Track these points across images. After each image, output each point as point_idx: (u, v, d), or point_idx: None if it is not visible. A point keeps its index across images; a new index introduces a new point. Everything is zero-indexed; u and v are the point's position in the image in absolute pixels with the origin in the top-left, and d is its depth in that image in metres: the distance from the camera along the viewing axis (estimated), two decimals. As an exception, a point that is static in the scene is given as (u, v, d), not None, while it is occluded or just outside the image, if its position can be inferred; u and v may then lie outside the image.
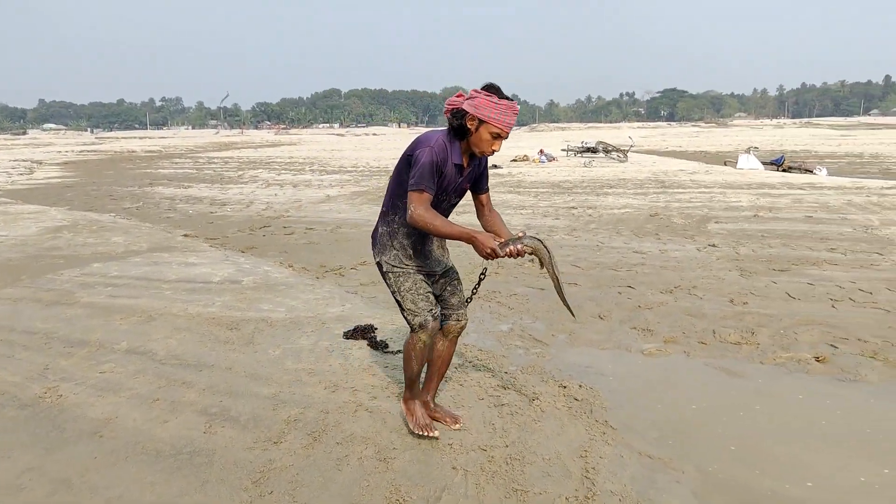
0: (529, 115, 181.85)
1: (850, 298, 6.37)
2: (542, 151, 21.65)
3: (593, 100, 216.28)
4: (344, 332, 5.26)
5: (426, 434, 3.53)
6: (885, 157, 24.66)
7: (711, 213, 11.24)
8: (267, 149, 31.46)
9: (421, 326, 3.40)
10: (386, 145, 32.50)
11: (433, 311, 3.42)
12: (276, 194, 15.01)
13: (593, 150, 22.00)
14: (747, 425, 3.89)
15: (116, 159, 29.02)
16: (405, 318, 3.45)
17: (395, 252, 3.44)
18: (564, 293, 3.47)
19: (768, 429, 3.85)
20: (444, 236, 3.15)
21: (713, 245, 8.80)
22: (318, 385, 4.28)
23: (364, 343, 5.04)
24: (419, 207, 3.13)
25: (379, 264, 3.49)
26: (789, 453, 3.55)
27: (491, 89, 3.17)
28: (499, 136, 3.19)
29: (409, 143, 3.30)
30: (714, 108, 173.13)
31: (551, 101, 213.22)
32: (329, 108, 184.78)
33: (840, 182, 15.34)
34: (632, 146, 22.95)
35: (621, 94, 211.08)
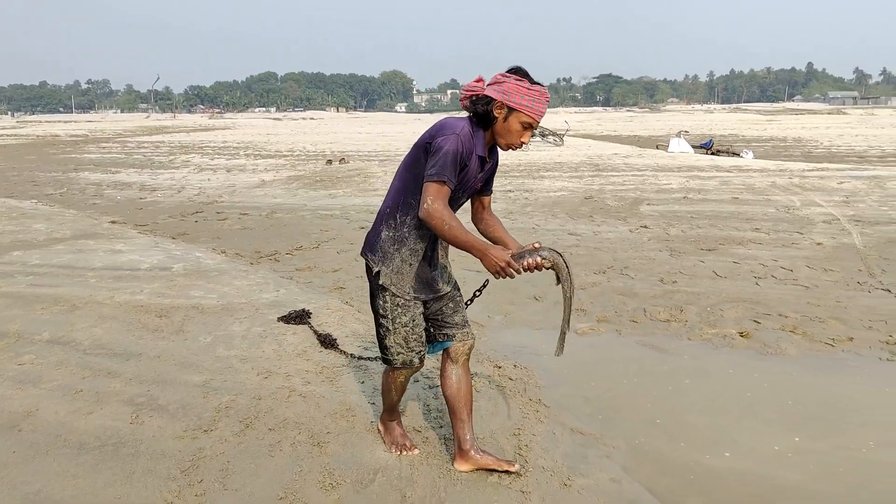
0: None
1: (773, 276, 6.64)
2: (479, 135, 21.71)
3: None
4: (279, 317, 5.18)
5: (404, 453, 3.25)
6: (806, 140, 25.71)
7: (643, 195, 11.51)
8: (200, 133, 30.58)
9: (405, 365, 3.06)
10: (323, 129, 32.02)
11: (422, 353, 3.07)
12: (208, 179, 14.63)
13: (530, 134, 22.21)
14: (674, 399, 4.02)
15: (39, 144, 27.76)
16: (385, 346, 3.04)
17: (399, 265, 2.94)
18: (569, 321, 2.99)
19: (694, 402, 3.98)
20: (454, 242, 2.71)
21: (645, 226, 9.02)
22: (251, 372, 4.21)
23: (298, 328, 4.97)
24: (437, 201, 2.69)
25: (377, 274, 2.95)
26: (712, 425, 3.68)
27: (520, 73, 2.81)
28: (529, 126, 2.82)
29: (427, 130, 2.85)
30: (648, 93, 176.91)
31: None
32: (265, 92, 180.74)
33: (764, 165, 15.92)
34: (567, 130, 23.24)
35: (558, 80, 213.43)
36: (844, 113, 70.95)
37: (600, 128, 34.00)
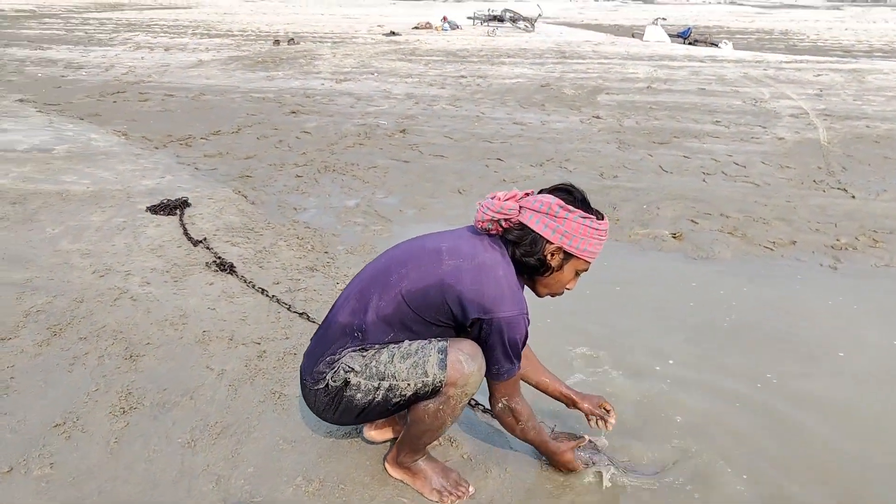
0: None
1: (723, 172, 6.05)
2: (445, 19, 20.35)
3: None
4: (148, 207, 4.53)
5: (463, 496, 2.12)
6: (793, 33, 24.52)
7: (605, 84, 10.69)
8: (157, 11, 28.62)
9: (445, 382, 1.94)
10: (286, 10, 29.88)
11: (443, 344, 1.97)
12: (142, 58, 13.46)
13: (500, 19, 20.87)
14: (573, 304, 3.47)
15: (-21, 19, 25.86)
16: (414, 395, 1.97)
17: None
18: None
19: (585, 309, 3.45)
20: (526, 440, 2.16)
21: (597, 116, 8.30)
22: (87, 269, 3.60)
23: (166, 220, 4.33)
24: (515, 398, 2.05)
25: (346, 382, 1.98)
26: (602, 332, 3.15)
27: (583, 204, 1.99)
28: (581, 272, 2.10)
29: (458, 272, 1.93)
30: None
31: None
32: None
33: (741, 56, 14.99)
34: (540, 15, 21.88)
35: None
36: (840, 10, 68.62)
37: (581, 16, 32.26)
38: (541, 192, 2.03)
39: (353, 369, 1.94)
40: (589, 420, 2.31)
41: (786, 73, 11.96)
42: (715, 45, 17.31)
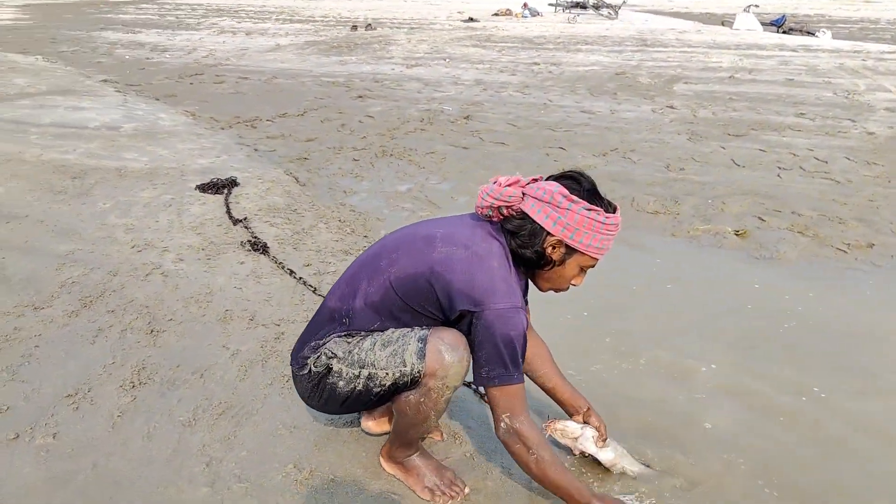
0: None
1: (801, 167, 5.64)
2: (525, 5, 19.98)
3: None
4: (197, 185, 4.58)
5: (456, 496, 1.98)
6: (902, 24, 22.87)
7: (684, 73, 10.21)
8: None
9: (424, 373, 1.79)
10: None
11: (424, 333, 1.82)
12: (224, 42, 13.82)
13: (582, 6, 20.33)
14: (618, 300, 3.27)
15: (81, 4, 27.22)
16: (393, 385, 1.83)
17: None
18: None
19: (639, 305, 3.24)
20: (541, 480, 1.82)
21: (671, 106, 7.92)
22: (127, 243, 3.65)
23: (212, 198, 4.36)
24: (521, 417, 1.78)
25: (328, 368, 1.89)
26: (628, 338, 2.95)
27: (592, 195, 1.80)
28: (587, 269, 1.91)
29: (446, 253, 1.80)
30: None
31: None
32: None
33: (838, 45, 14.03)
34: (624, 2, 21.17)
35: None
36: (957, -2, 63.60)
37: (671, 4, 31.13)
38: (549, 178, 1.87)
39: (335, 355, 1.84)
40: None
41: (886, 65, 11.11)
42: (812, 33, 16.32)
